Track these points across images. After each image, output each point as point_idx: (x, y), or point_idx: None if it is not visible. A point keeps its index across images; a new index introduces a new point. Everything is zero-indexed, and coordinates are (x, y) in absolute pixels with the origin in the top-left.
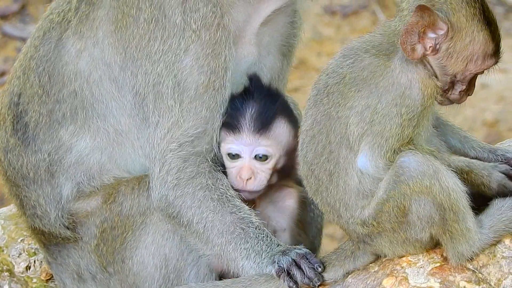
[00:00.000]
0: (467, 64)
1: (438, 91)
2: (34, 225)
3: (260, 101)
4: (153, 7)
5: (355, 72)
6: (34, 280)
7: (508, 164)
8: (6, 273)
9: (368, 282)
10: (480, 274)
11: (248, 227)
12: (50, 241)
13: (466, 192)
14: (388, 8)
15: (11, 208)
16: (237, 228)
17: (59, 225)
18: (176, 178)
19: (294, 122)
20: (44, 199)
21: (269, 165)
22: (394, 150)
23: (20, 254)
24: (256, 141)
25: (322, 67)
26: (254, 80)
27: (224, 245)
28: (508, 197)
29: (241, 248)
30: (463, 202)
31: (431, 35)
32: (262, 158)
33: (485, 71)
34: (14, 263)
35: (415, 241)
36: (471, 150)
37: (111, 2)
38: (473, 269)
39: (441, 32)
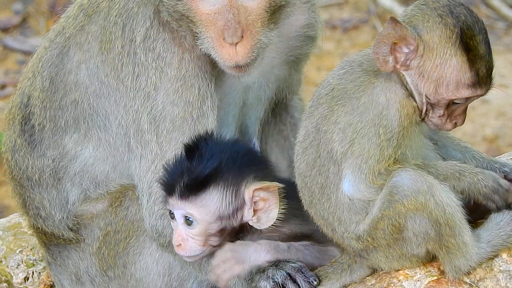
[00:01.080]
0: (437, 87)
1: (416, 112)
2: (36, 225)
3: (195, 164)
4: (125, 40)
5: (342, 84)
6: None
7: (506, 178)
8: (5, 284)
9: None
10: None
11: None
12: (51, 241)
13: (462, 206)
14: None
15: (10, 219)
16: None
17: (63, 226)
18: (162, 208)
19: (231, 184)
20: (49, 202)
21: (196, 231)
22: (377, 172)
23: (19, 265)
24: (181, 207)
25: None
26: (202, 139)
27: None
28: (506, 211)
29: None
30: (459, 216)
31: (404, 49)
32: (189, 222)
33: (469, 100)
34: (12, 274)
35: (411, 256)
36: (472, 160)
37: (102, 21)
38: (470, 282)
39: (411, 48)
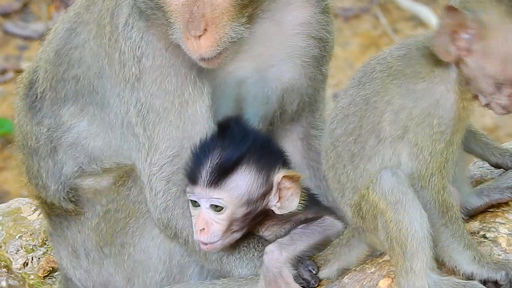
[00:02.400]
0: (505, 64)
1: (471, 103)
2: (38, 194)
3: (221, 150)
4: (112, 26)
5: (401, 66)
6: (32, 277)
7: None
8: (4, 269)
9: (364, 283)
10: None
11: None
12: (53, 211)
13: (430, 236)
14: (389, 12)
15: (10, 205)
16: None
17: (59, 198)
18: (164, 201)
19: (265, 171)
20: (46, 172)
21: (224, 216)
22: (426, 169)
23: (18, 250)
24: (208, 194)
25: None
26: (224, 124)
27: (220, 259)
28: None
29: (234, 259)
30: (416, 244)
31: (464, 36)
32: (217, 208)
33: None
34: (12, 260)
35: None
36: (491, 156)
37: (100, 4)
38: None
39: (472, 32)
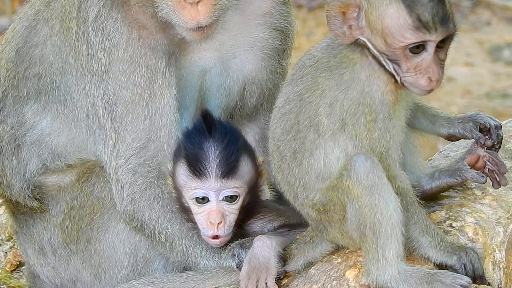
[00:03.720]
0: (385, 39)
1: (396, 85)
2: (3, 193)
3: (222, 142)
4: (80, 19)
5: (326, 58)
6: None
7: (480, 128)
8: None
9: (331, 274)
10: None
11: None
12: (18, 209)
13: (402, 222)
14: None
15: None
16: (194, 233)
17: (24, 196)
18: (130, 193)
19: (254, 155)
20: (10, 171)
21: (238, 204)
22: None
23: None
24: (224, 185)
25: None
26: (208, 117)
27: (185, 250)
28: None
29: (200, 250)
30: (390, 229)
31: (353, 14)
32: (232, 198)
33: (427, 48)
34: None
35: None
36: (441, 128)
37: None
38: None
39: (357, 10)
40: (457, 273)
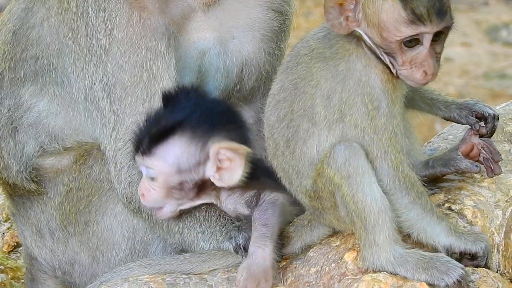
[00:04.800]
0: (381, 33)
1: (392, 75)
2: (0, 175)
3: (158, 120)
4: (79, 1)
5: (321, 48)
6: None
7: (476, 116)
8: None
9: (329, 256)
10: None
11: (198, 212)
12: (15, 192)
13: (389, 207)
14: None
15: None
16: (188, 215)
17: (21, 178)
18: (129, 176)
19: (199, 137)
20: (7, 153)
21: (158, 183)
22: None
23: None
24: (143, 162)
25: None
26: (170, 94)
27: (181, 232)
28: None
29: (196, 233)
30: (374, 217)
31: (350, 6)
32: (150, 176)
33: (422, 41)
34: None
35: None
36: (438, 111)
37: None
38: None
39: (354, 2)
40: (477, 260)
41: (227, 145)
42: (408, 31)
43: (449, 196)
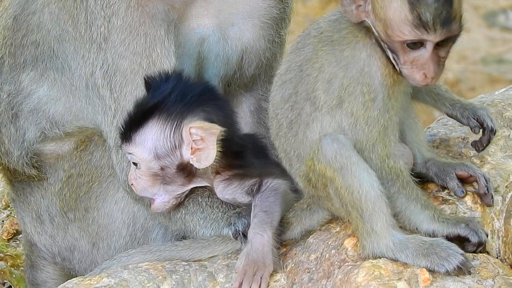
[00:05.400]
0: (385, 29)
1: (395, 71)
2: (1, 160)
3: (135, 106)
4: None
5: (331, 31)
6: None
7: (478, 121)
8: None
9: (329, 243)
10: None
11: (201, 198)
12: (15, 177)
13: (383, 193)
14: None
15: None
16: (190, 201)
17: (22, 164)
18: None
19: (172, 119)
20: (7, 138)
21: (141, 171)
22: (367, 139)
23: None
24: (126, 149)
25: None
26: (163, 76)
27: (184, 218)
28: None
29: (198, 218)
30: (370, 205)
31: None
32: (134, 163)
33: (426, 46)
34: None
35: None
36: (443, 107)
37: None
38: None
39: None
40: (469, 241)
41: (197, 124)
42: (411, 35)
43: None
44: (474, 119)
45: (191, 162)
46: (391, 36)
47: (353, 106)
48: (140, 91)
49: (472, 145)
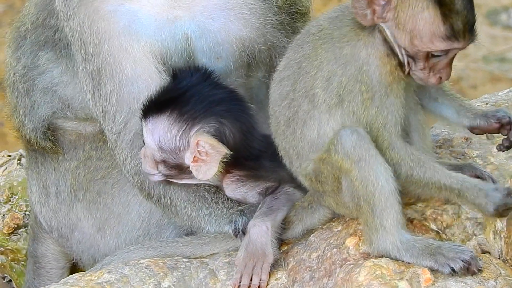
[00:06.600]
0: (411, 39)
1: (398, 69)
2: (18, 128)
3: (157, 92)
4: None
5: (331, 29)
6: None
7: (500, 123)
8: None
9: (331, 242)
10: (444, 235)
11: (206, 194)
12: (30, 145)
13: (397, 190)
14: None
15: None
16: (197, 196)
17: (35, 136)
18: (133, 166)
19: (183, 122)
20: (22, 109)
21: (147, 151)
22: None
23: None
24: (142, 126)
25: None
26: (190, 70)
27: (190, 214)
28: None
29: (203, 215)
30: (384, 199)
31: (381, 1)
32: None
33: (450, 53)
34: None
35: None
36: (465, 119)
37: None
38: (437, 229)
39: (386, 0)
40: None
41: (206, 139)
42: (442, 46)
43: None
44: (497, 122)
45: (190, 169)
46: (418, 45)
47: (353, 105)
48: (113, 93)
49: (498, 149)
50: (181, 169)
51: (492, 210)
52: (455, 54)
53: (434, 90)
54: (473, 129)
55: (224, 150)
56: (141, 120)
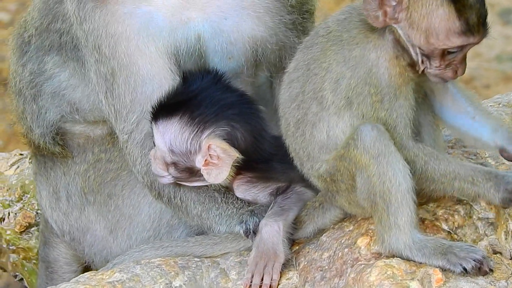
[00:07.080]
0: (427, 37)
1: (407, 70)
2: (25, 133)
3: (168, 95)
4: None
5: (340, 31)
6: (8, 232)
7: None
8: None
9: (342, 241)
10: (455, 235)
11: (216, 195)
12: (39, 151)
13: (413, 189)
14: None
15: None
16: (207, 197)
17: (44, 141)
18: (144, 165)
19: (194, 125)
20: (30, 115)
21: (157, 153)
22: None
23: None
24: (152, 128)
25: None
26: (193, 74)
27: (200, 215)
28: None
29: (214, 215)
30: (400, 197)
31: (392, 2)
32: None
33: (465, 48)
34: None
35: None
36: (500, 139)
37: None
38: (448, 230)
39: (398, 1)
40: None
41: (218, 143)
42: (458, 42)
43: None
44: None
45: (201, 172)
46: (434, 43)
47: (362, 108)
48: (127, 93)
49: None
50: (192, 172)
51: (505, 195)
52: (468, 50)
53: (472, 108)
54: (503, 152)
55: (235, 154)
56: (151, 122)
